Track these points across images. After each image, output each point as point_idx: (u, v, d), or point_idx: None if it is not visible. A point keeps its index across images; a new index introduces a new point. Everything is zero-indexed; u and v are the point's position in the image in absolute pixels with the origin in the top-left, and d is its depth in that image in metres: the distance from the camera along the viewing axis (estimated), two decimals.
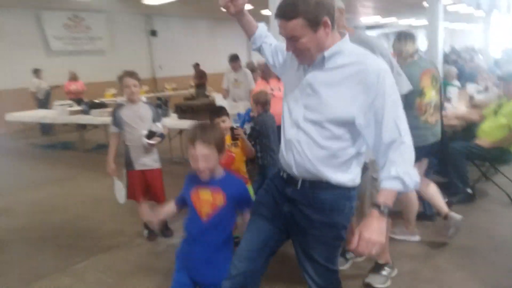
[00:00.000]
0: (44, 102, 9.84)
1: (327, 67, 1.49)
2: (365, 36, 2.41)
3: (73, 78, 10.24)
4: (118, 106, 3.45)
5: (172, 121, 5.60)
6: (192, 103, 6.28)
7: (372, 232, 1.40)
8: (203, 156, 1.76)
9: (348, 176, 1.57)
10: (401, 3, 14.75)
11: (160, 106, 5.58)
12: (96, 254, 3.36)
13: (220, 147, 1.82)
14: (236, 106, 5.55)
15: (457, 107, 4.93)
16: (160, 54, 14.61)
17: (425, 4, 9.45)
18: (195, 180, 1.88)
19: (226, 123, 3.00)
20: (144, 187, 3.35)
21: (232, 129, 3.00)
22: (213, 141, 1.78)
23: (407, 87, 2.51)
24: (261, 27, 1.86)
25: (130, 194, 3.36)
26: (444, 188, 4.12)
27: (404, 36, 3.08)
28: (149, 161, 3.38)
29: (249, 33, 1.84)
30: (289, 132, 1.61)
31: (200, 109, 5.33)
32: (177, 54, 14.38)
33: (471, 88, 5.73)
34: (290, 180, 1.64)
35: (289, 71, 1.71)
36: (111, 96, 10.05)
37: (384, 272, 2.71)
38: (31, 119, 8.32)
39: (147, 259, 3.25)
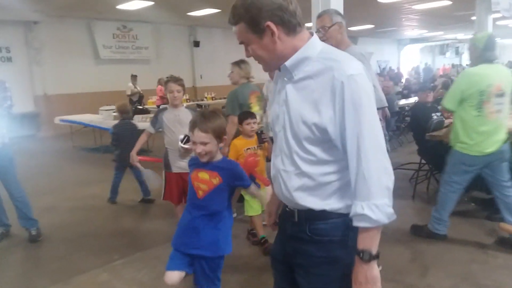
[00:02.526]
0: (137, 104, 10.54)
1: (296, 78, 1.30)
2: (352, 51, 2.59)
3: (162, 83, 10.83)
4: (162, 109, 3.59)
5: None
6: None
7: (361, 286, 1.24)
8: (201, 142, 1.94)
9: (343, 203, 1.31)
10: (449, 17, 14.37)
11: None
12: (133, 253, 3.46)
13: (218, 135, 1.98)
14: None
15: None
16: (201, 64, 14.99)
17: (473, 18, 9.15)
18: (196, 163, 2.09)
19: (252, 126, 3.19)
20: (181, 189, 3.43)
21: (258, 133, 3.14)
22: (211, 129, 1.95)
23: (378, 104, 2.60)
24: None
25: (167, 195, 3.45)
26: (488, 205, 3.97)
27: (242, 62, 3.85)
28: (185, 165, 3.46)
29: None
30: (275, 159, 1.43)
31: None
32: (218, 64, 14.69)
33: None
34: (289, 213, 1.43)
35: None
36: (153, 104, 10.42)
37: None
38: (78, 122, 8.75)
39: None
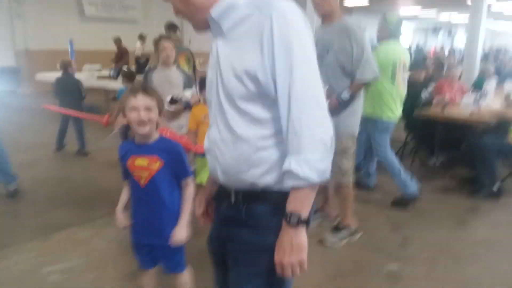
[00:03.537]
0: (143, 66, 10.16)
1: (224, 30, 1.13)
2: (346, 23, 2.69)
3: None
4: (151, 68, 3.48)
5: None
6: None
7: (284, 254, 1.07)
8: (146, 107, 1.68)
9: (274, 175, 1.13)
10: None
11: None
12: (114, 212, 3.41)
13: (160, 104, 1.75)
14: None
15: (492, 103, 4.79)
16: (190, 28, 14.56)
17: (468, 2, 9.08)
18: (130, 148, 1.83)
19: None
20: None
21: None
22: (155, 95, 1.73)
23: (372, 75, 2.67)
24: None
25: None
26: (470, 183, 4.06)
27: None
28: (173, 128, 3.40)
29: None
30: (210, 130, 1.26)
31: None
32: None
33: (509, 86, 5.54)
34: (224, 192, 1.25)
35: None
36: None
37: (340, 234, 2.94)
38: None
39: None
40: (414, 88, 4.87)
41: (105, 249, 2.88)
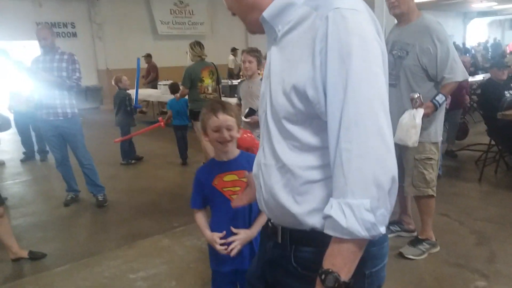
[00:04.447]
0: (237, 77, 11.08)
1: (279, 35, 0.95)
2: (427, 20, 2.56)
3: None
4: (242, 80, 3.73)
5: None
6: None
7: None
8: (227, 126, 1.67)
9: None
10: None
11: None
12: (193, 221, 3.56)
13: (238, 122, 1.74)
14: None
15: None
16: (255, 39, 14.86)
17: None
18: (211, 169, 1.77)
19: None
20: None
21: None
22: (234, 113, 1.72)
23: (462, 75, 2.53)
24: None
25: None
26: None
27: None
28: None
29: None
30: (258, 153, 1.09)
31: None
32: None
33: None
34: (271, 229, 1.07)
35: None
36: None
37: (420, 247, 2.80)
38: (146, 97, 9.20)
39: None
40: (496, 89, 4.55)
41: (185, 257, 3.02)
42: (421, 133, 2.54)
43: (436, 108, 2.54)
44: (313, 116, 0.88)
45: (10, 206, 4.08)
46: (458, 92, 4.54)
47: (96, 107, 11.47)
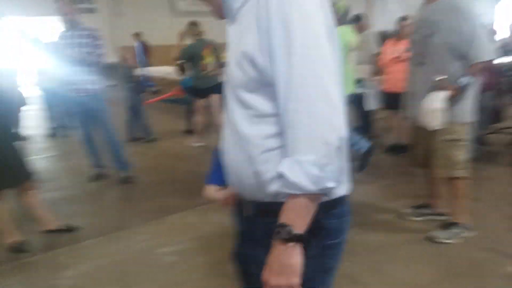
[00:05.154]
0: None
1: (235, 12, 0.99)
2: None
3: None
4: None
5: None
6: None
7: (271, 274, 0.90)
8: None
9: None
10: None
11: None
12: None
13: None
14: (356, 69, 5.38)
15: None
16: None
17: None
18: None
19: None
20: None
21: None
22: None
23: (489, 55, 2.46)
24: None
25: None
26: None
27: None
28: None
29: None
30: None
31: None
32: None
33: None
34: (238, 203, 1.12)
35: None
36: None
37: (452, 232, 2.76)
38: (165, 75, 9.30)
39: None
40: None
41: (211, 233, 3.04)
42: (448, 113, 2.48)
43: (461, 89, 2.47)
44: (265, 83, 0.91)
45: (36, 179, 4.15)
46: (488, 73, 4.39)
47: (115, 85, 11.49)
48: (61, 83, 3.87)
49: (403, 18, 4.39)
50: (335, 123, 0.86)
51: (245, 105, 0.96)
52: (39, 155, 5.25)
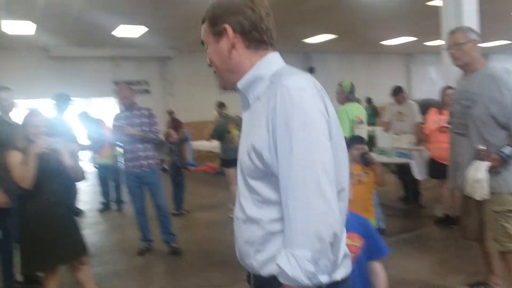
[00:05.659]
0: None
1: (250, 102, 1.12)
2: (492, 69, 2.53)
3: None
4: None
5: None
6: None
7: None
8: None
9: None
10: None
11: None
12: None
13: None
14: (398, 139, 5.33)
15: None
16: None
17: None
18: None
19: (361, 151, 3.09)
20: None
21: (363, 154, 3.01)
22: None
23: None
24: None
25: None
26: None
27: None
28: None
29: None
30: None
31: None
32: (333, 89, 14.60)
33: None
34: (247, 275, 1.25)
35: None
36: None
37: None
38: (206, 148, 9.66)
39: None
40: None
41: None
42: (498, 182, 2.43)
43: (503, 159, 2.42)
44: (270, 173, 1.01)
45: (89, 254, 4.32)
46: None
47: (162, 160, 12.05)
48: (118, 159, 4.15)
49: (448, 87, 4.40)
50: (330, 220, 0.93)
51: (251, 190, 1.06)
52: (91, 229, 5.50)
